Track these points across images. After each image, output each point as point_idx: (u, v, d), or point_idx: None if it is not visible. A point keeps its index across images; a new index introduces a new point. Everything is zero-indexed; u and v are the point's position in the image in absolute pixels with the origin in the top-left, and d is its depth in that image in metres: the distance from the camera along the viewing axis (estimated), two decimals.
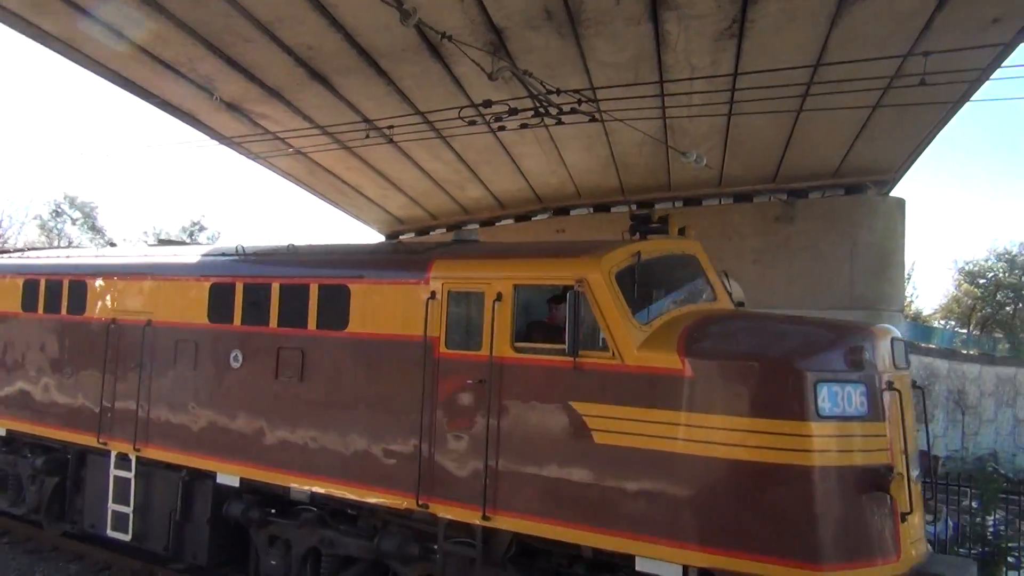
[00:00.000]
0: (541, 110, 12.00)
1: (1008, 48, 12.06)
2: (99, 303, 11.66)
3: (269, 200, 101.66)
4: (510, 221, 24.06)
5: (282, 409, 9.38)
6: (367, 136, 15.64)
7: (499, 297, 7.89)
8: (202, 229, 57.04)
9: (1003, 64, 12.45)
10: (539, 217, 23.50)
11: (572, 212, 22.84)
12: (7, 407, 12.55)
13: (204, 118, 17.46)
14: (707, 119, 15.14)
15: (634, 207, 21.47)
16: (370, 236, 27.30)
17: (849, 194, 19.44)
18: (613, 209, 21.93)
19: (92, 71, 15.27)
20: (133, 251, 12.91)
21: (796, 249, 19.56)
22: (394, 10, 9.37)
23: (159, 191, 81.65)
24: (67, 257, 13.06)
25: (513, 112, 12.41)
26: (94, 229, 56.20)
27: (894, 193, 19.87)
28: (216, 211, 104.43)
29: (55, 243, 49.31)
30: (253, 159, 19.93)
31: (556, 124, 12.38)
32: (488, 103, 12.37)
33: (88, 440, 11.23)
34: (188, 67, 14.67)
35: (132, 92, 16.20)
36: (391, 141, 16.53)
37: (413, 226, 26.18)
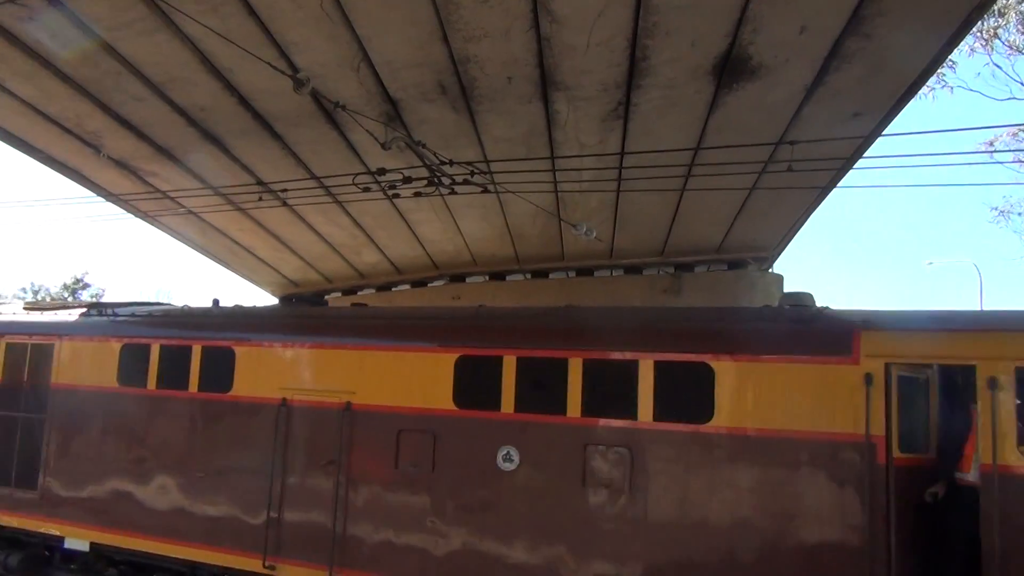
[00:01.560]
0: (435, 179, 12.24)
1: (868, 140, 13.05)
2: (258, 376, 9.32)
3: (158, 257, 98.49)
4: (407, 287, 24.09)
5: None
6: (260, 199, 15.53)
7: (994, 383, 6.10)
8: (86, 286, 54.81)
9: (864, 155, 13.48)
10: (435, 283, 23.62)
11: (468, 279, 23.06)
12: (91, 512, 10.17)
13: (90, 174, 16.98)
14: (597, 194, 15.70)
15: (528, 276, 21.96)
16: (263, 299, 26.84)
17: (731, 269, 20.34)
18: (508, 277, 22.30)
19: None
20: (329, 314, 10.66)
21: None
22: (288, 78, 9.49)
23: (38, 247, 78.11)
24: (192, 317, 10.89)
25: (408, 180, 12.62)
26: None
27: (774, 269, 20.93)
28: (100, 267, 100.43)
29: None
30: (142, 217, 19.43)
31: (450, 193, 12.64)
32: (383, 171, 12.55)
33: (244, 563, 8.76)
34: (74, 123, 14.32)
35: (14, 146, 15.65)
36: (285, 204, 16.45)
37: (308, 289, 25.84)
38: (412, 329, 8.63)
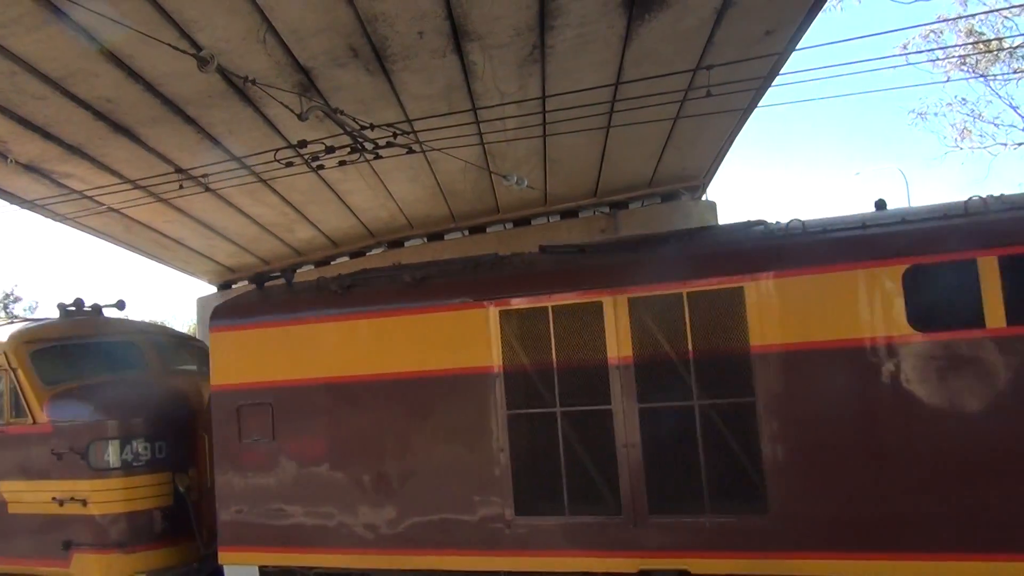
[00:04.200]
0: (358, 146, 12.04)
1: (783, 57, 13.18)
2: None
3: (87, 260, 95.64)
4: (345, 259, 23.83)
5: None
6: (180, 186, 15.13)
7: None
8: (16, 300, 53.04)
9: (781, 72, 13.61)
10: (374, 252, 23.41)
11: (406, 244, 22.91)
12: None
13: (1, 183, 16.34)
14: (523, 142, 15.64)
15: (466, 233, 21.89)
16: (201, 288, 26.33)
17: (665, 202, 20.54)
18: (447, 236, 22.20)
19: None
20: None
21: None
22: (192, 57, 9.18)
23: None
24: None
25: (331, 150, 12.38)
26: None
27: (707, 197, 21.18)
28: (29, 280, 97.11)
29: None
30: (61, 221, 18.79)
31: (375, 159, 12.44)
32: (304, 143, 12.30)
33: None
34: None
35: None
36: (208, 189, 16.04)
37: (245, 273, 25.41)
38: None
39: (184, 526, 9.44)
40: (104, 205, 17.06)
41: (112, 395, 9.71)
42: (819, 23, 11.86)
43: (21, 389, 9.57)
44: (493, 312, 8.01)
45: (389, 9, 10.87)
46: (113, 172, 15.82)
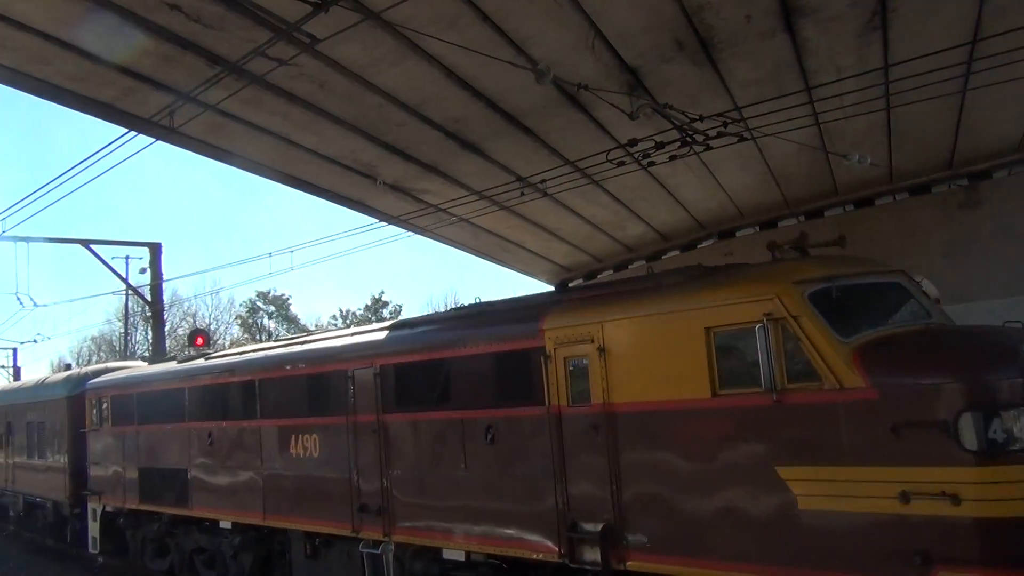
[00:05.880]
0: (687, 139, 11.99)
1: None
2: None
3: (440, 266, 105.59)
4: (676, 252, 23.87)
5: None
6: (522, 193, 16.15)
7: None
8: (384, 305, 60.06)
9: None
10: (704, 244, 23.19)
11: (737, 233, 22.38)
12: None
13: (371, 202, 18.67)
14: (864, 117, 14.52)
15: (802, 218, 20.84)
16: (540, 287, 27.86)
17: None
18: (780, 223, 21.32)
19: (267, 177, 16.82)
20: None
21: (988, 235, 18.18)
22: (529, 72, 9.79)
23: (341, 275, 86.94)
24: None
25: (660, 146, 12.47)
26: (288, 319, 60.44)
27: None
28: (394, 286, 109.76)
29: (257, 337, 53.33)
30: (420, 233, 20.98)
31: (705, 150, 12.32)
32: (634, 142, 12.51)
33: None
34: (351, 159, 15.83)
35: (306, 191, 17.62)
36: (546, 194, 16.96)
37: (580, 272, 26.49)
38: None
39: None
40: (456, 216, 18.75)
41: (982, 346, 6.89)
42: None
43: (810, 343, 6.81)
44: None
45: None
46: (463, 185, 17.36)
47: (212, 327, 55.05)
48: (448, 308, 14.10)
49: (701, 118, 11.48)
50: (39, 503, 21.32)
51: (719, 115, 11.71)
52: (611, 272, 25.26)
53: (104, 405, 16.87)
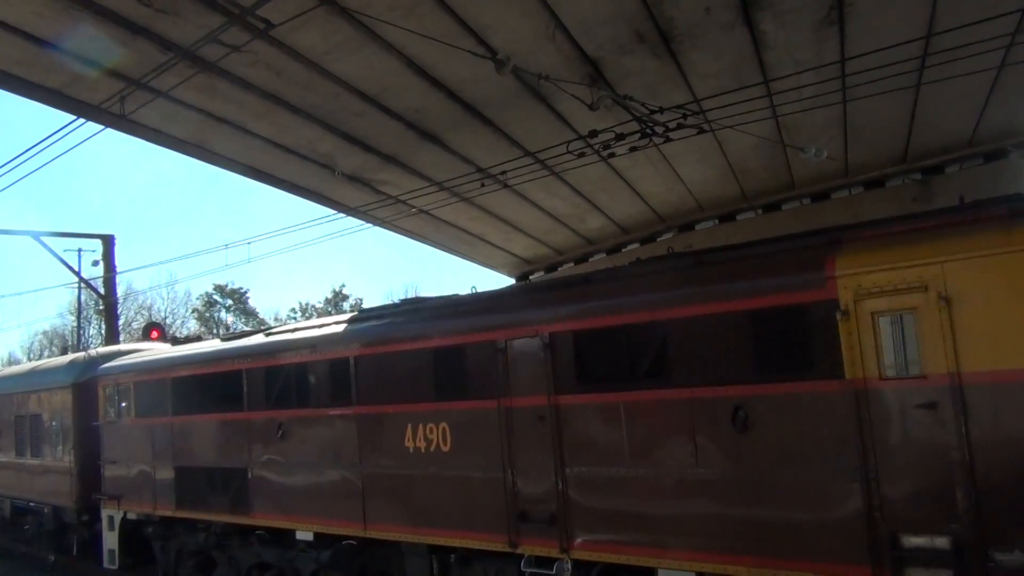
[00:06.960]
0: (647, 131, 12.02)
1: None
2: None
3: (402, 259, 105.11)
4: (635, 245, 23.95)
5: None
6: (482, 184, 16.07)
7: None
8: (345, 298, 59.54)
9: None
10: (664, 237, 23.30)
11: (697, 227, 22.52)
12: None
13: (330, 193, 18.42)
14: (821, 110, 14.66)
15: (759, 211, 21.05)
16: (500, 281, 27.84)
17: (989, 162, 18.25)
18: (739, 217, 21.50)
19: (223, 167, 16.51)
20: None
21: None
22: (489, 61, 9.72)
23: (301, 268, 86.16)
24: None
25: (620, 137, 12.50)
26: (246, 312, 59.69)
27: None
28: (355, 278, 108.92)
29: (213, 331, 52.65)
30: (380, 225, 20.77)
31: (665, 142, 12.36)
32: (594, 133, 12.51)
33: None
34: (309, 149, 15.59)
35: (263, 180, 17.33)
36: (506, 186, 16.89)
37: (541, 264, 26.48)
38: None
39: None
40: (416, 208, 18.60)
41: None
42: None
43: None
44: None
45: None
46: (422, 176, 17.21)
47: (168, 321, 54.14)
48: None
49: (661, 110, 11.52)
50: (33, 509, 18.56)
51: (679, 107, 11.75)
52: (572, 265, 25.29)
53: (124, 393, 14.57)
